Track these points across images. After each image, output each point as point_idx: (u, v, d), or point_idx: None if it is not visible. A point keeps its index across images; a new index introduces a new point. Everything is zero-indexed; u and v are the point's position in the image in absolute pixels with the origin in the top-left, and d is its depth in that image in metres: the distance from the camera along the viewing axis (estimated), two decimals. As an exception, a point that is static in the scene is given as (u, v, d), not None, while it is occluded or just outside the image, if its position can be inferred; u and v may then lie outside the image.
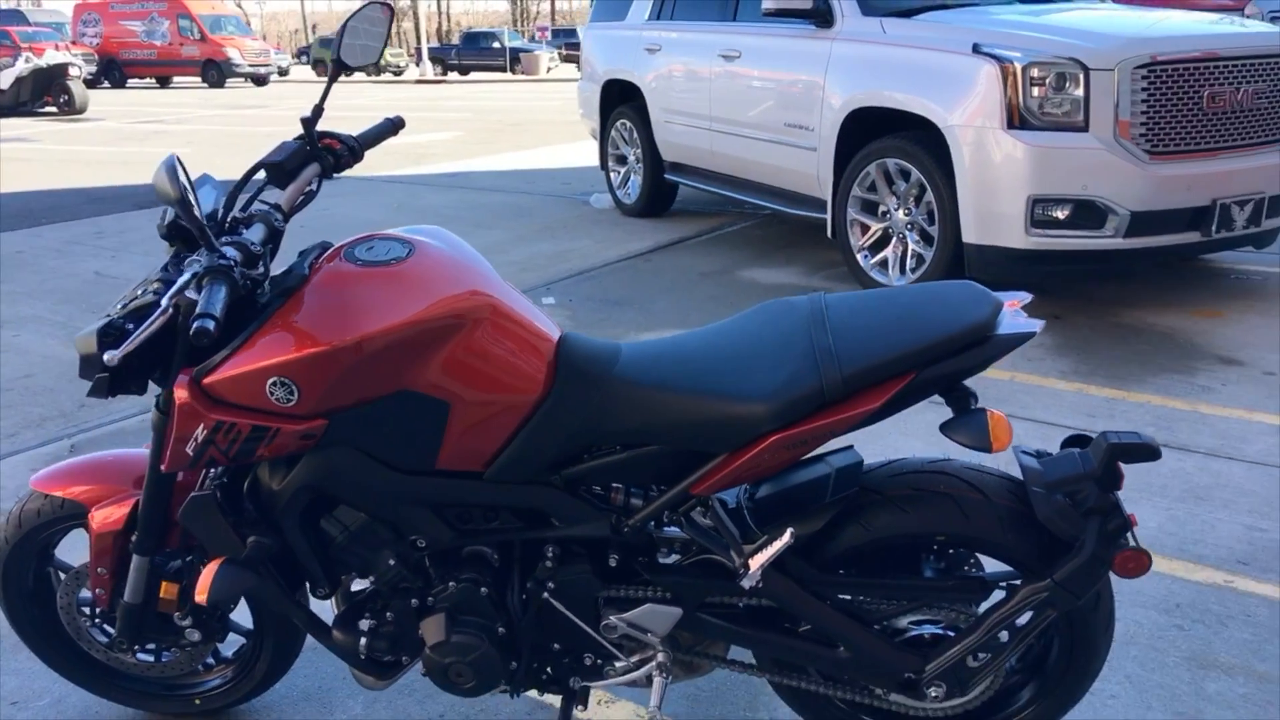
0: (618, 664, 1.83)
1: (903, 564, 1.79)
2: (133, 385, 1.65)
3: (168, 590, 1.88)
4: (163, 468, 1.66)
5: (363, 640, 1.78)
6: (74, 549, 2.43)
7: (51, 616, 2.07)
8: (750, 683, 2.20)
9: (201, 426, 1.57)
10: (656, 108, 6.83)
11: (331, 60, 1.78)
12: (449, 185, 9.08)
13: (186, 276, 1.46)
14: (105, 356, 1.42)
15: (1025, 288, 4.54)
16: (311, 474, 1.65)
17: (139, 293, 1.64)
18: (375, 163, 10.78)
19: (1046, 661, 1.82)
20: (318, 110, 1.78)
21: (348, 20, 1.78)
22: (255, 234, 1.65)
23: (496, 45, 36.06)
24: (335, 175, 1.83)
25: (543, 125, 14.89)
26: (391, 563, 1.74)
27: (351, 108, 19.68)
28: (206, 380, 1.56)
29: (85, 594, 2.01)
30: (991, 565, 1.86)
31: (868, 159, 4.99)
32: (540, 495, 1.68)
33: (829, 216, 5.33)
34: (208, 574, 1.68)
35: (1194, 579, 2.51)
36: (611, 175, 7.62)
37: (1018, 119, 4.34)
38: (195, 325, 1.34)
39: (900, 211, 4.93)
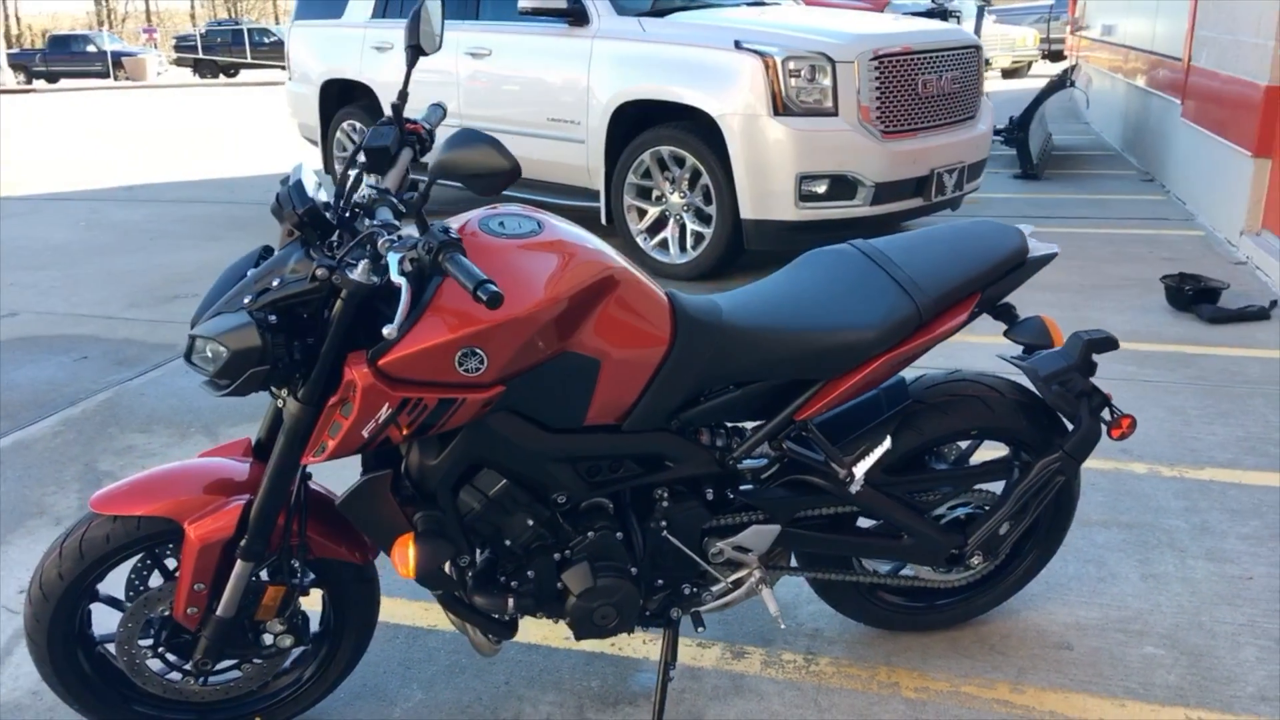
0: (714, 588, 2.03)
1: (920, 466, 2.16)
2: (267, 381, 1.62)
3: (272, 595, 1.83)
4: (313, 457, 1.65)
5: (510, 600, 1.84)
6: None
7: (93, 657, 1.90)
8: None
9: (386, 406, 1.58)
10: (394, 107, 6.75)
11: (408, 47, 1.81)
12: (135, 199, 8.31)
13: (399, 256, 1.47)
14: (385, 331, 1.41)
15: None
16: (474, 442, 1.70)
17: (273, 282, 1.61)
18: (40, 179, 9.57)
19: (1038, 523, 2.27)
20: (403, 96, 1.80)
21: (417, 9, 1.82)
22: (385, 216, 1.66)
23: (92, 49, 32.47)
24: (421, 159, 1.86)
25: (195, 132, 13.83)
26: (530, 523, 1.82)
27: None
28: (382, 361, 1.58)
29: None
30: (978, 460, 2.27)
31: (641, 148, 5.36)
32: (660, 441, 1.85)
33: (603, 205, 5.65)
34: (403, 552, 1.68)
35: (1043, 465, 3.12)
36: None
37: (781, 107, 4.91)
38: (487, 293, 1.37)
39: (676, 195, 5.36)
